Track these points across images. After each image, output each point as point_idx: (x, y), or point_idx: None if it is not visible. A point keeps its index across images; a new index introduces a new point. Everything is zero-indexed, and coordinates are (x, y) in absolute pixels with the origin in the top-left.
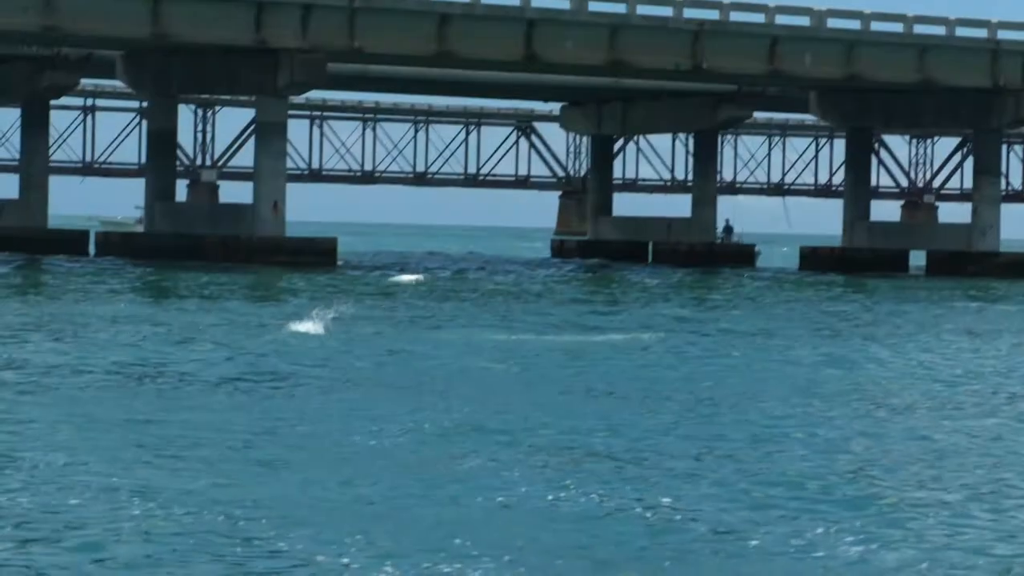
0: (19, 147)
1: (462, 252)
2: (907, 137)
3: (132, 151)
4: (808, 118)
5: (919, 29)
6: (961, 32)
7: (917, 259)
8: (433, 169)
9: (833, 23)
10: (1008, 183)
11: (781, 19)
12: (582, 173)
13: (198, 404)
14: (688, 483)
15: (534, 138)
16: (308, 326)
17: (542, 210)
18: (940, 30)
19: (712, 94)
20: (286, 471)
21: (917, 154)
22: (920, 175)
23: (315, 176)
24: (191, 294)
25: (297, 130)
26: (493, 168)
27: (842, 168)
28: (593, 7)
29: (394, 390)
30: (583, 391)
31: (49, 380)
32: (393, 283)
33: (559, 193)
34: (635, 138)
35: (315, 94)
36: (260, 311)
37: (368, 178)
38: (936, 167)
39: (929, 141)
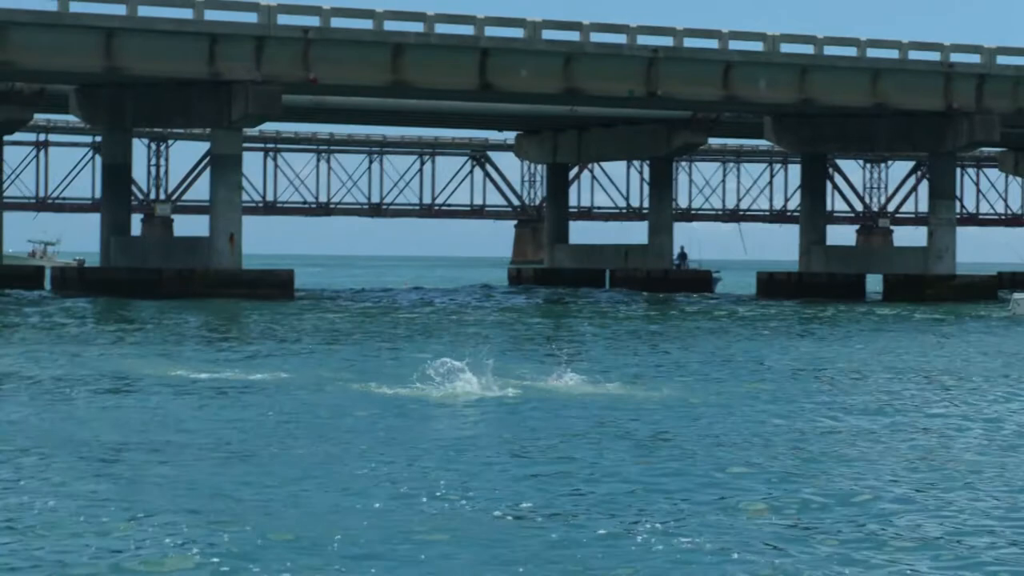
0: None
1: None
2: (861, 161)
3: (86, 186)
4: (762, 144)
5: (872, 53)
6: (914, 55)
7: (873, 283)
8: (388, 200)
9: (786, 48)
10: (962, 206)
11: (735, 44)
12: (537, 202)
13: None
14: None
15: (488, 167)
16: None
17: (498, 239)
18: (893, 53)
19: (666, 121)
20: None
21: (871, 178)
22: (874, 199)
23: (270, 208)
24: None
25: (251, 162)
26: (448, 198)
27: (797, 193)
28: (547, 35)
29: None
30: None
31: None
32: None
33: (514, 222)
34: (590, 166)
35: (269, 126)
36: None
37: (323, 210)
38: (890, 191)
39: (883, 165)
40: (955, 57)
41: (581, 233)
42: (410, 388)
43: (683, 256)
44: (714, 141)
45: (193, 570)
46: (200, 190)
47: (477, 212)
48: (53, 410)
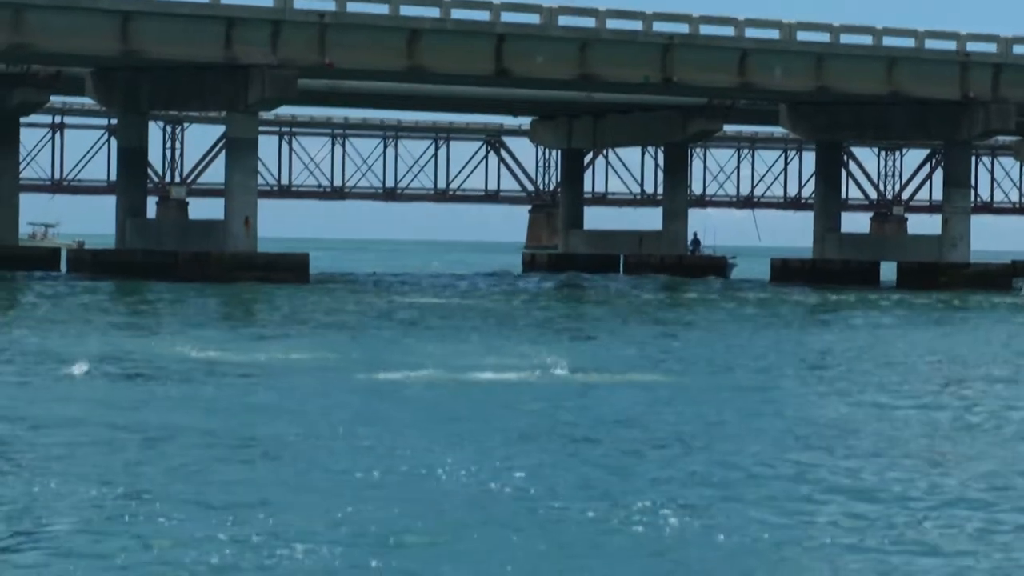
0: None
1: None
2: (876, 149)
3: (101, 168)
4: (777, 130)
5: (888, 41)
6: (930, 44)
7: (887, 271)
8: (402, 184)
9: (802, 36)
10: (977, 194)
11: (751, 32)
12: (552, 187)
13: None
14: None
15: (503, 152)
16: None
17: (512, 224)
18: (909, 42)
19: (682, 107)
20: None
21: (886, 166)
22: (889, 187)
23: (284, 192)
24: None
25: (266, 146)
26: (463, 183)
27: (811, 180)
28: (563, 21)
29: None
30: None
31: None
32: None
33: (529, 207)
34: (605, 152)
35: (284, 110)
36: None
37: (338, 194)
38: (905, 179)
39: (898, 153)
40: (971, 46)
41: (595, 219)
42: (424, 372)
43: (696, 242)
44: (729, 128)
45: (201, 557)
46: (215, 173)
47: (492, 197)
48: (60, 392)
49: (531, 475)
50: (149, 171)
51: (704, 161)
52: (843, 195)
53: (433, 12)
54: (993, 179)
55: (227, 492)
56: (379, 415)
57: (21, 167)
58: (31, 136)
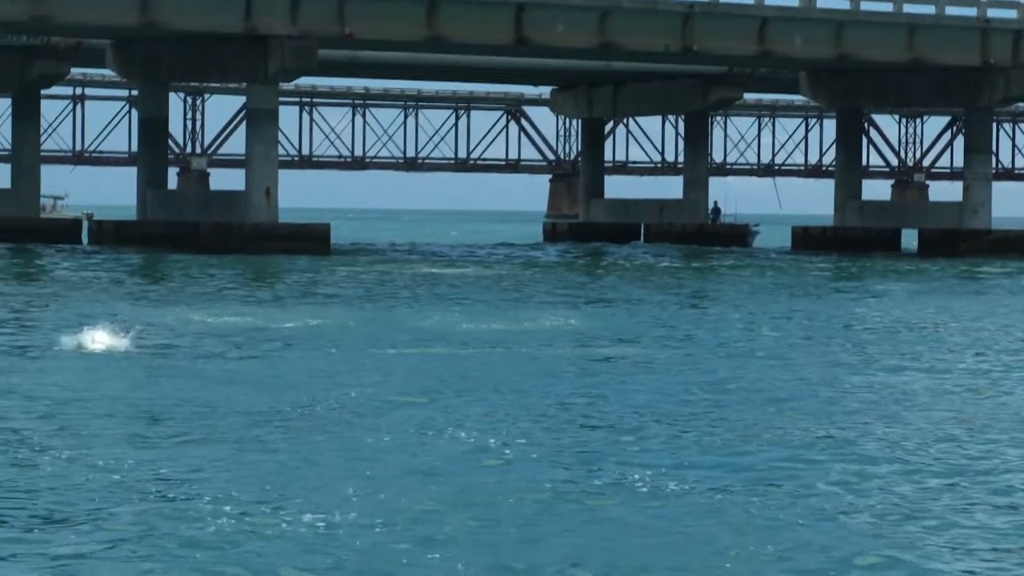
0: (10, 137)
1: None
2: (896, 116)
3: (122, 139)
4: (797, 98)
5: (908, 8)
6: (950, 11)
7: (909, 238)
8: (423, 154)
9: (822, 3)
10: (998, 161)
11: (770, 0)
12: (572, 156)
13: None
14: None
15: (524, 122)
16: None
17: (533, 193)
18: (930, 9)
19: (702, 76)
20: None
21: (907, 133)
22: (910, 154)
23: (305, 162)
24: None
25: (287, 116)
26: (483, 152)
27: (832, 148)
28: None
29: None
30: None
31: None
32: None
33: (549, 176)
34: (625, 121)
35: (304, 80)
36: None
37: (358, 164)
38: (926, 146)
39: (919, 120)
40: (992, 12)
41: (616, 188)
42: (439, 342)
43: (717, 211)
44: (749, 96)
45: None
46: (236, 144)
47: (512, 166)
48: (80, 363)
49: (542, 447)
50: (170, 142)
51: (724, 129)
52: (864, 162)
53: None
54: (1014, 145)
55: (237, 466)
56: (394, 384)
57: (42, 139)
58: (52, 108)
